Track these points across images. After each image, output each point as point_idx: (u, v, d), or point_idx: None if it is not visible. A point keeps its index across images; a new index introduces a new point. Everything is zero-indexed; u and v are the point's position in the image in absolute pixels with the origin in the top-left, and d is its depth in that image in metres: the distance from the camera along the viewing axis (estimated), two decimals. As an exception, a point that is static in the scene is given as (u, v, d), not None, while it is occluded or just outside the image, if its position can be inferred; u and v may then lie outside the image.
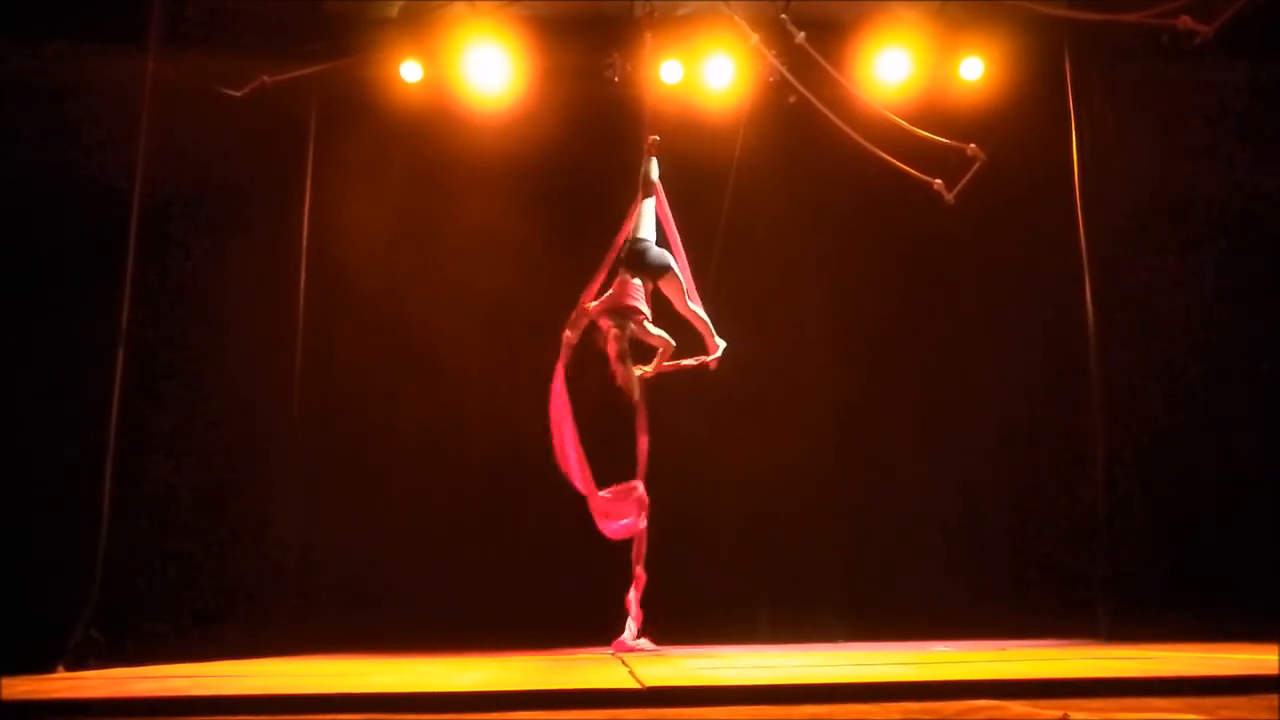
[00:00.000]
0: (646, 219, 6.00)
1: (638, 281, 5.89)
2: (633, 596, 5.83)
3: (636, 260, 5.89)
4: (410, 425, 7.63)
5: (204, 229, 6.57)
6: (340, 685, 3.49)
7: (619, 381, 5.86)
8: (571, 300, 6.25)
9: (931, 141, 6.28)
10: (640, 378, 5.89)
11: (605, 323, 5.83)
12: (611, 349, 5.78)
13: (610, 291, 5.90)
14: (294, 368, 7.25)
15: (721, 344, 5.96)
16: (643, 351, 5.97)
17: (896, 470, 7.66)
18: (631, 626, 5.81)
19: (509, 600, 7.15)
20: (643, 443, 5.96)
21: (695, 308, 5.96)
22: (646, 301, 5.90)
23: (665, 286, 5.96)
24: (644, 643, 5.77)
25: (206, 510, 6.40)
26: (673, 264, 5.93)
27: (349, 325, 7.66)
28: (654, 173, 6.11)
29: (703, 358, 5.98)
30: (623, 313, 5.82)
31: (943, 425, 7.71)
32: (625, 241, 5.93)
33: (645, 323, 5.85)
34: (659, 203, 6.08)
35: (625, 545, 5.98)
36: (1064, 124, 7.18)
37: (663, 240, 6.04)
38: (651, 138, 6.11)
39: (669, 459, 7.57)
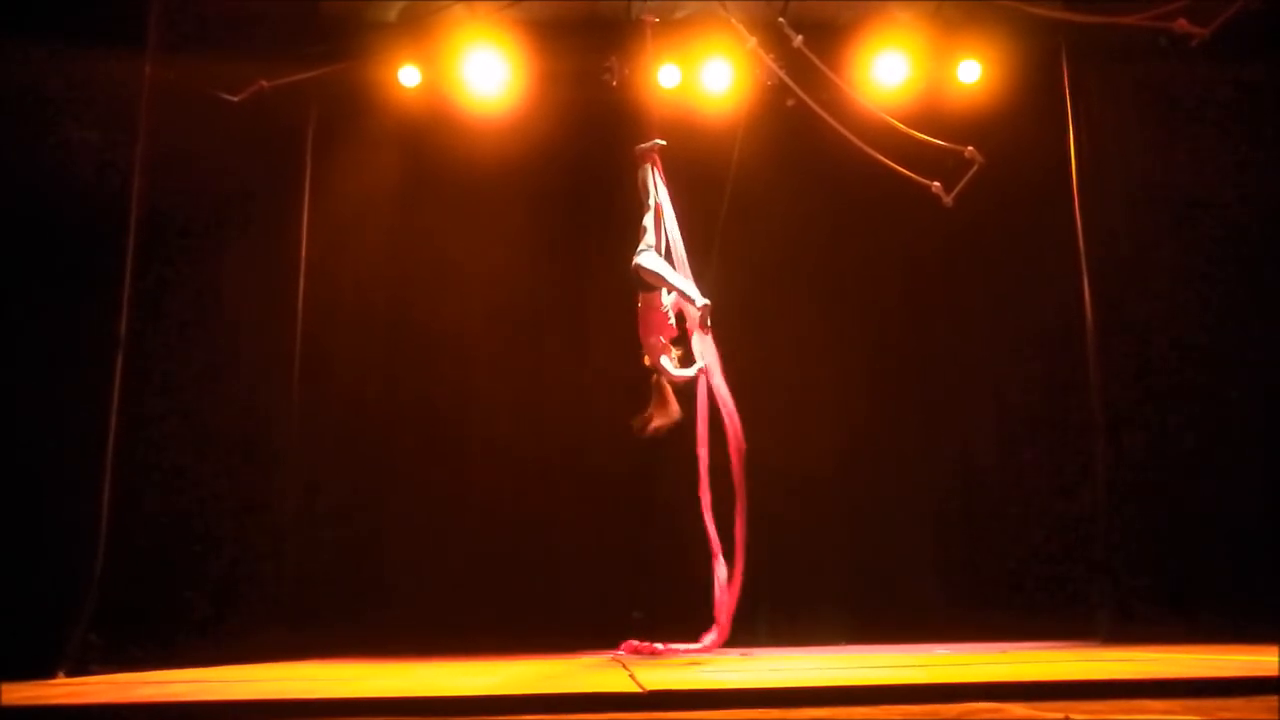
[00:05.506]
0: (646, 233, 5.76)
1: (664, 300, 5.69)
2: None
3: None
4: (411, 431, 7.62)
5: (202, 232, 6.57)
6: (342, 690, 3.50)
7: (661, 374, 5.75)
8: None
9: (929, 144, 6.28)
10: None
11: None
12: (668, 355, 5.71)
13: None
14: (293, 371, 7.24)
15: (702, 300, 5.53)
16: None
17: (896, 473, 7.66)
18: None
19: (511, 604, 7.15)
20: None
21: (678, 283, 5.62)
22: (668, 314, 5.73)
23: (654, 280, 5.67)
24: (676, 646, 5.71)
25: (207, 515, 6.40)
26: (643, 262, 5.61)
27: (348, 328, 7.65)
28: (650, 180, 5.88)
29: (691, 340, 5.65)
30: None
31: (942, 428, 7.72)
32: None
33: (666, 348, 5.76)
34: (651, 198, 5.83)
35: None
36: (1061, 126, 7.20)
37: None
38: (638, 147, 5.92)
39: (668, 458, 7.59)
